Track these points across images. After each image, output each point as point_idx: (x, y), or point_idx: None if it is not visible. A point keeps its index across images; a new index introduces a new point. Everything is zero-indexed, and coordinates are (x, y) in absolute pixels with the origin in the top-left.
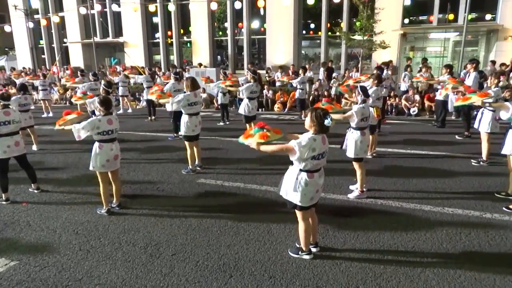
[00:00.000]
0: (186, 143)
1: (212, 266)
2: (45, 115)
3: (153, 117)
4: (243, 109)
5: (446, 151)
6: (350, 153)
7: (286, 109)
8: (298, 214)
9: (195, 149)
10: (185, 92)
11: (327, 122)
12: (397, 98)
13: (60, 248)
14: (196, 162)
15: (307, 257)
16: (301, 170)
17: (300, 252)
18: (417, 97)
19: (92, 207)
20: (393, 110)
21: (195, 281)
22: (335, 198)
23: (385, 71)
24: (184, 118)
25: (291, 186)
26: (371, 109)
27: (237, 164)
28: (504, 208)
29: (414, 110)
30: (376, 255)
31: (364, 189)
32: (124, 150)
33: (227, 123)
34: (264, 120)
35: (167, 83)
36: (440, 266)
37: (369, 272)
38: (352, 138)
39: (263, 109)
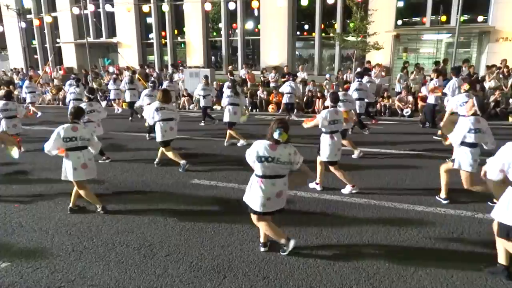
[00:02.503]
0: (163, 148)
1: (206, 267)
2: (39, 114)
3: (130, 118)
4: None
5: (438, 152)
6: (323, 157)
7: (280, 110)
8: (252, 217)
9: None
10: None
11: (275, 134)
12: (390, 99)
13: (52, 249)
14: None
15: (263, 248)
16: (255, 174)
17: (284, 248)
18: (410, 98)
19: (85, 208)
20: (386, 111)
21: (189, 282)
22: (329, 199)
23: (372, 73)
24: (157, 126)
25: (248, 189)
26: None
27: (231, 164)
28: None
29: (407, 111)
30: (370, 255)
31: (354, 184)
32: (117, 150)
33: (202, 124)
34: (258, 120)
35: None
36: (432, 266)
37: (362, 272)
38: (322, 142)
39: (257, 109)
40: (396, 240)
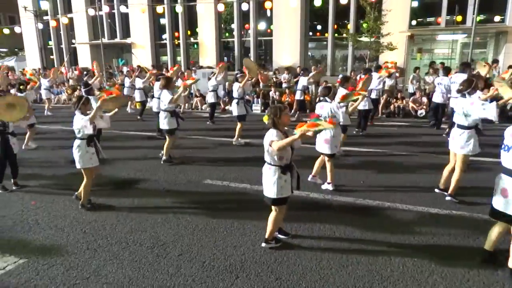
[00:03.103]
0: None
1: (218, 267)
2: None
3: (138, 117)
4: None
5: None
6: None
7: (293, 111)
8: None
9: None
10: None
11: None
12: (404, 100)
13: (68, 247)
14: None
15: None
16: None
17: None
18: (424, 99)
19: (100, 206)
20: (400, 112)
21: (202, 282)
22: (342, 200)
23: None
24: None
25: None
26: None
27: (243, 165)
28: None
29: (421, 112)
30: (383, 258)
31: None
32: (130, 148)
33: (208, 123)
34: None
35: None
36: (448, 270)
37: (376, 275)
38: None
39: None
40: (410, 242)
